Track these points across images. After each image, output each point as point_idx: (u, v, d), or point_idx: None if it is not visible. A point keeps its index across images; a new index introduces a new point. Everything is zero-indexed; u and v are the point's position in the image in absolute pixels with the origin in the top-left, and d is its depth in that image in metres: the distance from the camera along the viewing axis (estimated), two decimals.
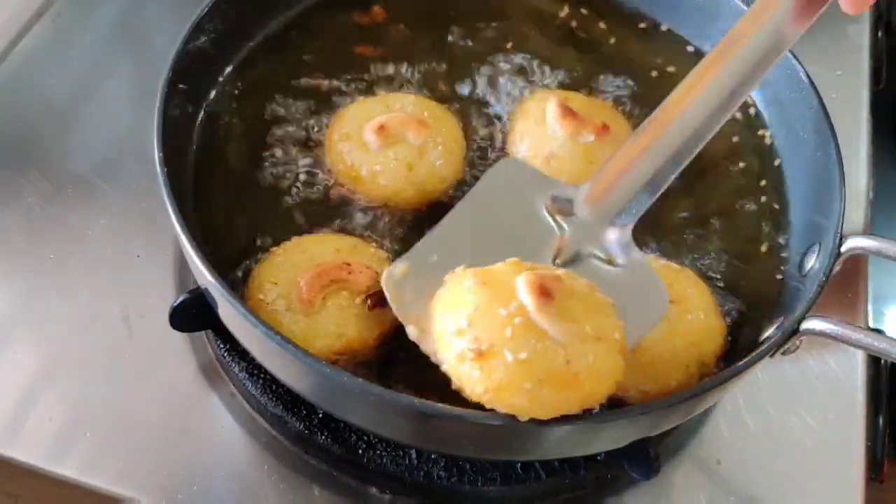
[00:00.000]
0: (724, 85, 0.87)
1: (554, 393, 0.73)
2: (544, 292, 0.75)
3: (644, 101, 1.11)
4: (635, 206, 0.90)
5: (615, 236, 0.90)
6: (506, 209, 0.92)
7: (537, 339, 0.74)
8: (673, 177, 0.90)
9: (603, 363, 0.75)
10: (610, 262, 0.89)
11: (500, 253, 0.83)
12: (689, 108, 0.88)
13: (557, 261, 0.89)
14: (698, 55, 1.18)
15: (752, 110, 1.12)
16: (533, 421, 0.74)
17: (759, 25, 0.86)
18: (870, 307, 1.12)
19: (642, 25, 1.20)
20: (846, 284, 1.10)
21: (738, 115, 1.12)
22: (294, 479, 0.93)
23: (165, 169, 0.86)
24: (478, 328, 0.75)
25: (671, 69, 1.16)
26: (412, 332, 0.82)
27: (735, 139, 1.10)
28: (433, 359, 0.80)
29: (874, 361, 1.06)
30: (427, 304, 0.82)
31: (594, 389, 0.75)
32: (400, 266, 0.86)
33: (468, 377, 0.75)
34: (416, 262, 0.86)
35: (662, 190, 0.90)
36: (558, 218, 0.91)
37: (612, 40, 1.19)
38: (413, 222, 0.98)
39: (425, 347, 0.81)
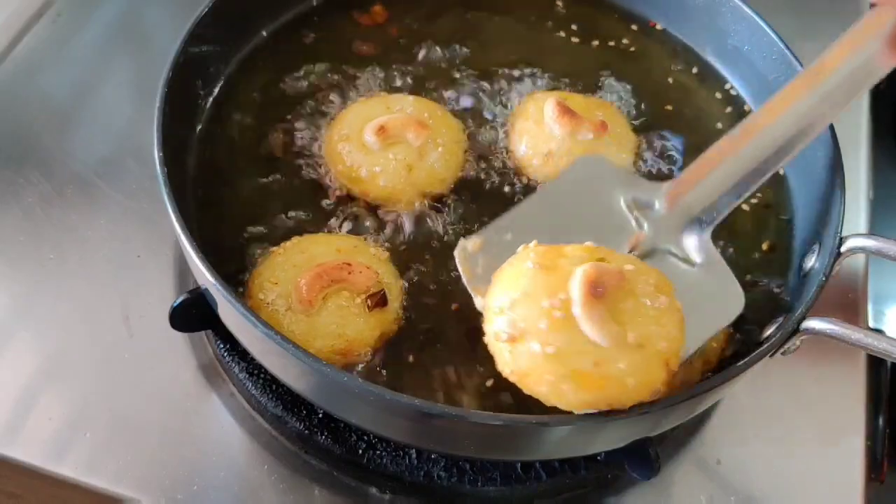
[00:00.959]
0: (813, 105, 0.89)
1: (576, 390, 0.74)
2: (595, 290, 0.74)
3: (642, 100, 1.11)
4: (718, 207, 0.91)
5: (694, 236, 0.91)
6: (584, 200, 0.93)
7: (570, 336, 0.74)
8: (759, 184, 0.91)
9: (636, 371, 0.74)
10: (686, 261, 0.90)
11: (576, 239, 0.83)
12: (781, 118, 0.90)
13: (634, 252, 0.89)
14: (697, 55, 1.18)
15: (752, 111, 1.12)
16: (533, 421, 0.74)
17: (851, 51, 0.88)
18: (870, 307, 1.12)
19: (641, 26, 1.21)
20: (846, 284, 1.10)
21: (739, 116, 1.12)
22: (294, 479, 0.93)
23: (165, 169, 0.86)
24: (518, 312, 0.75)
25: (670, 69, 1.16)
26: (479, 302, 0.84)
27: None
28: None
29: (874, 361, 1.06)
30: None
31: (621, 395, 0.75)
32: (474, 240, 0.88)
33: (500, 355, 0.77)
34: (490, 238, 0.88)
35: (747, 195, 0.91)
36: (637, 214, 0.92)
37: (612, 41, 1.19)
38: (413, 223, 0.98)
39: None
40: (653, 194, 0.93)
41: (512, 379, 0.76)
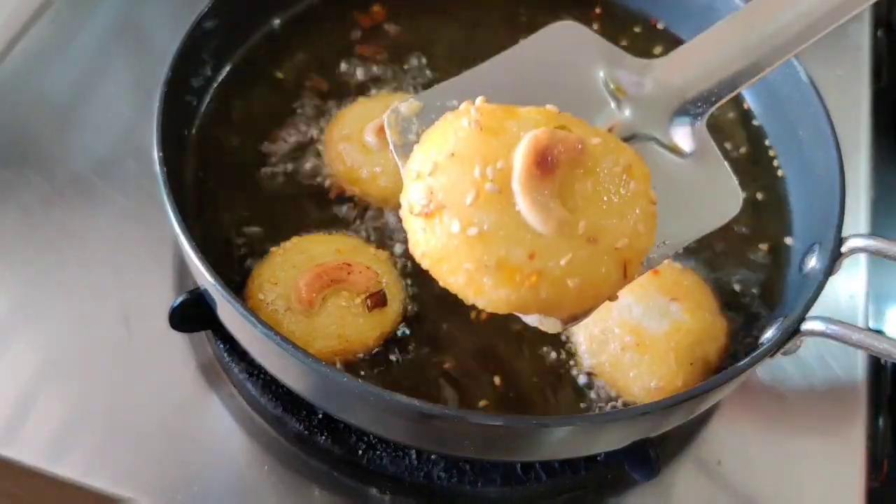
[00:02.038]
0: None
1: (499, 286, 0.59)
2: (543, 161, 0.58)
3: None
4: (715, 94, 0.76)
5: (685, 125, 0.77)
6: (556, 69, 0.76)
7: (502, 217, 0.58)
8: (767, 72, 0.77)
9: (582, 271, 0.59)
10: (674, 150, 0.76)
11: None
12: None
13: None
14: None
15: (752, 110, 1.12)
16: (533, 422, 0.74)
17: None
18: (870, 307, 1.11)
19: (643, 25, 1.21)
20: (846, 284, 1.10)
21: (738, 116, 1.12)
22: (294, 479, 0.93)
23: (165, 169, 0.86)
24: (439, 179, 0.60)
25: None
26: (405, 174, 0.68)
27: (735, 139, 1.10)
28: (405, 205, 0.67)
29: (874, 361, 1.06)
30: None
31: (558, 299, 0.60)
32: (411, 102, 0.72)
33: (412, 231, 0.63)
34: (431, 102, 0.72)
35: (751, 83, 0.77)
36: (618, 95, 0.77)
37: (612, 40, 1.18)
38: None
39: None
40: (639, 72, 0.78)
41: (424, 264, 0.62)
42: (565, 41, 0.79)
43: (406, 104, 0.72)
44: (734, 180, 0.76)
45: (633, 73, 0.79)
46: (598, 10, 1.22)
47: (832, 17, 0.75)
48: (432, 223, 0.60)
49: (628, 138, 0.75)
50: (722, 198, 0.75)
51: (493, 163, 0.60)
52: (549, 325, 0.67)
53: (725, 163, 0.77)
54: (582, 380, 0.89)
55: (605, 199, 0.61)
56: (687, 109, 0.77)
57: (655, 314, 0.89)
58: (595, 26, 1.20)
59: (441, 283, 0.62)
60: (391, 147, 0.70)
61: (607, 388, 0.89)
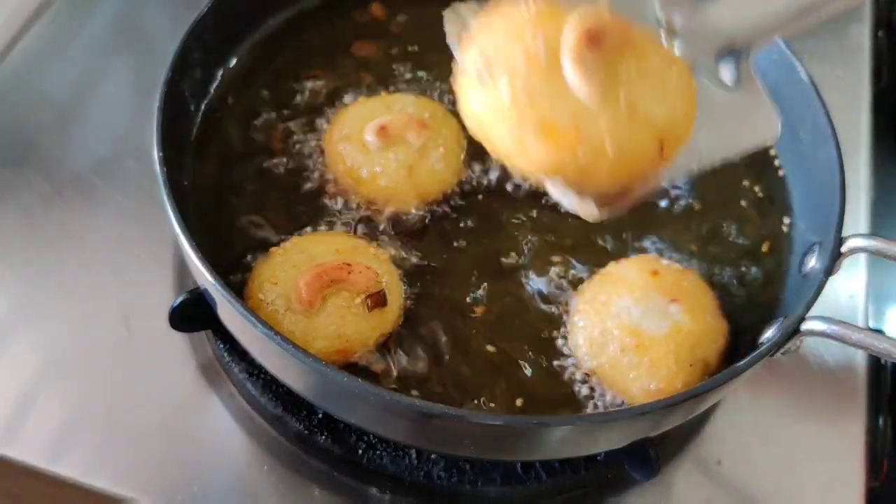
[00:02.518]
0: None
1: (541, 146, 0.63)
2: (593, 38, 0.62)
3: None
4: (763, 35, 0.78)
5: (731, 62, 0.78)
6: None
7: (549, 82, 0.63)
8: (822, 16, 0.77)
9: (620, 136, 0.62)
10: (718, 82, 0.78)
11: None
12: None
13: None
14: None
15: None
16: (533, 421, 0.74)
17: None
18: (870, 307, 1.12)
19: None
20: (846, 284, 1.10)
21: None
22: (294, 479, 0.93)
23: (165, 169, 0.86)
24: (495, 47, 0.65)
25: None
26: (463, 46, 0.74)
27: None
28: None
29: (874, 361, 1.06)
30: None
31: (596, 163, 0.63)
32: (470, 3, 0.76)
33: (464, 94, 0.67)
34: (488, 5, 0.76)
35: (801, 25, 0.76)
36: (672, 21, 0.77)
37: None
38: (413, 223, 0.98)
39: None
40: (691, 11, 0.78)
41: (469, 125, 0.67)
42: None
43: (465, 5, 0.75)
44: (773, 111, 0.79)
45: (685, 13, 0.78)
46: None
47: None
48: (484, 85, 0.64)
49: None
50: (760, 124, 0.78)
51: (546, 36, 0.63)
52: (587, 210, 0.71)
53: (766, 96, 0.79)
54: (582, 381, 0.89)
55: (648, 80, 0.64)
56: (734, 49, 0.78)
57: (655, 316, 0.89)
58: None
59: (488, 148, 0.66)
60: (449, 41, 0.74)
61: (607, 389, 0.89)
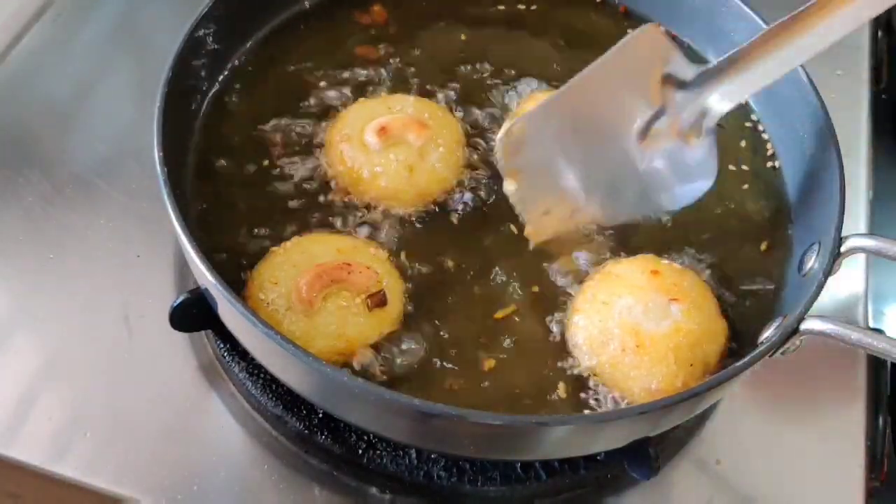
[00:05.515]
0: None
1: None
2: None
3: None
4: (740, 95, 0.93)
5: (704, 117, 0.93)
6: (630, 76, 0.95)
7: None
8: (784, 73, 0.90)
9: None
10: (684, 138, 0.94)
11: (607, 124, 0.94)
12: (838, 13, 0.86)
13: (642, 143, 0.95)
14: (697, 55, 1.18)
15: (752, 110, 1.12)
16: (533, 421, 0.74)
17: None
18: (870, 307, 1.12)
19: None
20: (846, 284, 1.10)
21: (738, 116, 1.12)
22: (294, 479, 0.93)
23: (165, 169, 0.86)
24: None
25: None
26: (508, 186, 0.94)
27: (736, 140, 1.10)
28: (521, 217, 0.94)
29: (874, 361, 1.06)
30: (529, 163, 0.94)
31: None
32: (519, 124, 0.95)
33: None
34: (532, 124, 0.95)
35: (768, 83, 0.91)
36: (665, 91, 0.94)
37: (613, 41, 1.19)
38: (414, 223, 0.98)
39: (514, 201, 0.95)
40: (687, 74, 0.94)
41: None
42: (641, 48, 0.95)
43: (516, 125, 0.94)
44: (715, 165, 0.94)
45: (682, 76, 0.94)
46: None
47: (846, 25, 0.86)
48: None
49: (659, 133, 0.94)
50: (701, 174, 0.94)
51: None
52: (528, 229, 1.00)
53: (715, 151, 0.94)
54: (582, 380, 0.89)
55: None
56: (712, 108, 0.93)
57: (656, 315, 0.89)
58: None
59: None
60: (499, 162, 0.95)
61: (607, 388, 0.89)
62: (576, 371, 0.89)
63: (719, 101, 0.93)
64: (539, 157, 0.94)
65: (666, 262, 0.95)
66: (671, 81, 0.94)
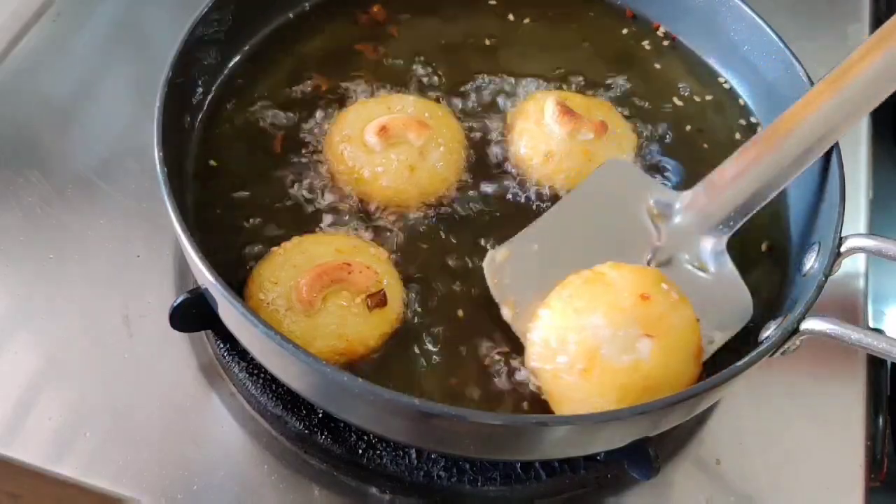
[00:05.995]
0: (837, 108, 0.91)
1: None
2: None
3: (643, 99, 1.11)
4: (734, 217, 0.94)
5: (710, 244, 0.95)
6: (607, 208, 0.97)
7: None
8: (777, 191, 0.94)
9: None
10: (702, 268, 0.94)
11: (597, 251, 0.91)
12: (805, 123, 0.92)
13: (652, 263, 0.94)
14: (697, 55, 1.18)
15: (752, 110, 1.12)
16: (533, 421, 0.74)
17: (876, 53, 0.89)
18: (870, 307, 1.12)
19: (642, 26, 1.21)
20: (846, 284, 1.10)
21: (738, 116, 1.12)
22: (294, 479, 0.93)
23: (165, 169, 0.86)
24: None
25: (666, 69, 1.17)
26: (506, 313, 0.90)
27: (736, 139, 1.10)
28: (522, 340, 0.88)
29: (874, 361, 1.06)
30: (523, 288, 0.90)
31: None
32: (502, 251, 0.94)
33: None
34: (517, 249, 0.94)
35: (763, 204, 0.94)
36: (658, 222, 0.96)
37: (612, 41, 1.19)
38: (414, 223, 0.98)
39: (516, 328, 0.90)
40: (674, 203, 0.97)
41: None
42: (612, 181, 0.99)
43: (499, 253, 0.94)
44: (748, 294, 0.92)
45: (667, 204, 0.97)
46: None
47: (837, 132, 0.92)
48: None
49: (666, 261, 0.95)
50: (736, 309, 0.92)
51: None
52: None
53: (740, 278, 0.93)
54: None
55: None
56: (713, 231, 0.95)
57: (620, 345, 0.82)
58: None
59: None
60: (492, 292, 0.92)
61: (540, 391, 0.87)
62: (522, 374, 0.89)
63: (714, 220, 0.95)
64: (527, 281, 0.91)
65: (666, 287, 0.87)
66: (659, 207, 0.97)
